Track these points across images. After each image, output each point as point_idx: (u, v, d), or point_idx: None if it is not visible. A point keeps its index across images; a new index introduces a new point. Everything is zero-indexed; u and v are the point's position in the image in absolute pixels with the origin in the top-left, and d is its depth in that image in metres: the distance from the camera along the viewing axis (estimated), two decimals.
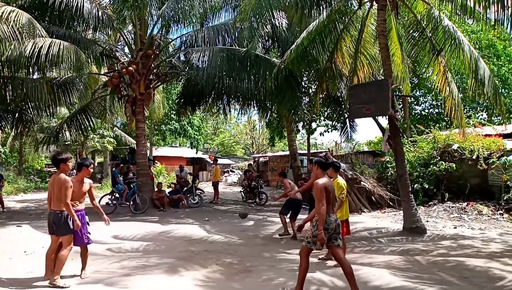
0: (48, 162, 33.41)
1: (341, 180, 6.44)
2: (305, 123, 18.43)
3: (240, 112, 17.08)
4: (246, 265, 6.36)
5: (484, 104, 20.30)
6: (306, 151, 21.38)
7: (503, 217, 10.38)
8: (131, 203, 12.69)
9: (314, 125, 20.17)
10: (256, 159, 33.54)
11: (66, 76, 13.98)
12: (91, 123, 15.09)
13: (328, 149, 28.96)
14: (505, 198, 10.92)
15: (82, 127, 14.92)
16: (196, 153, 37.81)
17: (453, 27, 9.59)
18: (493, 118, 20.45)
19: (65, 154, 5.75)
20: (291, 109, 13.10)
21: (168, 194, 14.48)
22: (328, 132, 20.78)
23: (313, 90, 16.17)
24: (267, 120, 18.69)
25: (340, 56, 11.09)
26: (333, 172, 6.28)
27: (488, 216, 10.56)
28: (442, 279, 5.61)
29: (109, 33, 14.87)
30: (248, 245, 8.00)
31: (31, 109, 13.78)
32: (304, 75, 15.43)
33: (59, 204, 5.34)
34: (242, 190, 17.08)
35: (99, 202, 12.86)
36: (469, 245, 7.74)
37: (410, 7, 10.23)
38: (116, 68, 14.01)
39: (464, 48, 9.31)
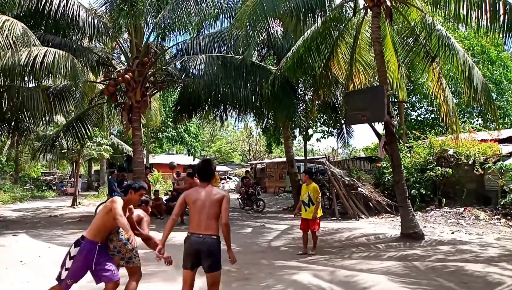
0: (44, 170, 33.30)
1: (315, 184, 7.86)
2: (302, 130, 18.47)
3: (236, 119, 17.11)
4: (244, 273, 6.34)
5: (479, 109, 20.45)
6: (303, 158, 21.42)
7: (500, 222, 10.41)
8: None
9: (310, 131, 20.21)
10: (253, 165, 33.52)
11: (62, 84, 13.96)
12: (87, 131, 15.04)
13: (325, 155, 29.00)
14: (501, 203, 10.96)
15: (79, 135, 14.87)
16: (194, 160, 37.76)
17: (446, 34, 9.68)
18: (489, 123, 20.57)
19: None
20: (287, 116, 13.14)
21: (165, 202, 14.44)
22: (325, 138, 20.81)
23: (309, 96, 16.24)
24: (263, 127, 18.72)
25: (336, 63, 11.15)
26: (307, 178, 7.87)
27: (485, 221, 10.59)
28: (440, 285, 5.61)
29: (105, 41, 14.86)
30: (246, 253, 7.98)
31: (27, 118, 13.72)
32: (300, 82, 15.49)
33: (216, 226, 3.82)
34: (240, 197, 17.05)
35: (96, 210, 12.84)
36: (467, 250, 7.76)
37: (404, 14, 10.32)
38: (112, 76, 14.01)
39: (457, 54, 9.40)
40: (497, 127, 12.59)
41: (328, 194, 14.53)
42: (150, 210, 5.15)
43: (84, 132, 14.87)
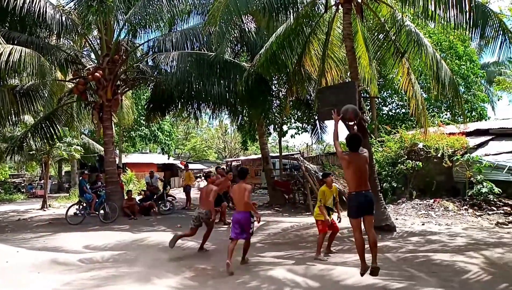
0: (12, 172, 32.22)
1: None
2: (276, 126, 18.56)
3: (211, 116, 17.02)
4: (219, 271, 6.32)
5: (448, 103, 21.02)
6: (278, 154, 21.53)
7: (468, 212, 10.75)
8: (101, 212, 12.41)
9: (285, 127, 20.34)
10: (228, 163, 33.46)
11: (30, 83, 13.54)
12: (56, 131, 14.62)
13: (299, 151, 29.24)
14: (469, 194, 11.32)
15: (48, 135, 14.42)
16: (168, 159, 37.37)
17: (415, 30, 9.90)
18: (456, 117, 21.18)
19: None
20: (262, 113, 13.18)
21: (138, 202, 14.22)
22: (299, 134, 21.00)
23: (283, 93, 16.31)
24: (238, 124, 18.71)
25: (309, 59, 11.23)
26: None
27: (454, 211, 10.92)
28: (411, 275, 5.76)
29: (74, 38, 14.48)
30: (222, 250, 7.92)
31: None
32: (274, 78, 15.54)
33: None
34: None
35: (66, 212, 12.54)
36: (437, 241, 7.99)
37: (375, 10, 10.48)
38: (82, 74, 13.69)
39: (426, 50, 9.62)
40: (464, 120, 13.03)
41: (302, 189, 14.65)
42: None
43: (53, 132, 14.43)
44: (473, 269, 5.93)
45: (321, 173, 13.34)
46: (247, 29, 13.37)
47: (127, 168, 27.79)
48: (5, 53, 10.01)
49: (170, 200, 14.63)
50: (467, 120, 14.94)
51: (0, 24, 12.24)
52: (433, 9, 8.72)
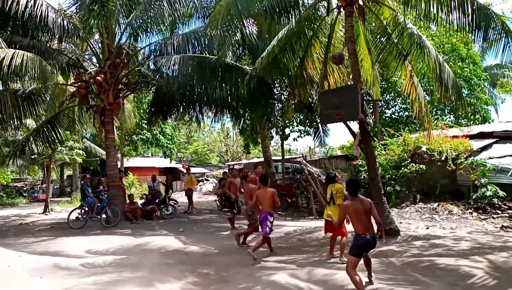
0: (14, 176, 32.25)
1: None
2: (279, 129, 18.51)
3: (213, 120, 16.99)
4: (222, 275, 6.28)
5: (451, 106, 20.96)
6: (281, 157, 21.45)
7: (472, 216, 10.66)
8: (103, 216, 12.38)
9: (287, 131, 20.29)
10: (230, 166, 33.39)
11: (32, 87, 13.55)
12: (58, 135, 14.62)
13: (302, 154, 29.17)
14: (473, 197, 11.23)
15: (50, 139, 14.43)
16: (170, 162, 37.36)
17: (418, 33, 9.86)
18: (460, 120, 21.10)
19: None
20: (264, 116, 13.13)
21: (140, 206, 14.18)
22: (301, 137, 20.93)
23: (285, 96, 16.29)
24: (240, 127, 18.65)
25: (311, 62, 11.20)
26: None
27: (458, 215, 10.83)
28: (416, 280, 5.70)
29: (76, 42, 14.50)
30: (225, 255, 7.91)
31: None
32: (276, 82, 15.52)
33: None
34: (217, 199, 16.93)
35: (68, 217, 12.53)
36: (441, 245, 7.90)
37: (377, 13, 10.44)
38: (84, 78, 13.69)
39: (429, 53, 9.57)
40: (468, 123, 12.95)
41: (305, 193, 14.60)
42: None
43: (55, 136, 14.44)
44: (478, 273, 5.86)
45: (324, 177, 13.40)
46: (248, 33, 13.35)
47: (129, 172, 27.75)
48: (7, 57, 10.01)
49: (172, 204, 14.59)
50: (471, 122, 14.88)
51: (2, 28, 12.25)
52: (435, 12, 8.70)
